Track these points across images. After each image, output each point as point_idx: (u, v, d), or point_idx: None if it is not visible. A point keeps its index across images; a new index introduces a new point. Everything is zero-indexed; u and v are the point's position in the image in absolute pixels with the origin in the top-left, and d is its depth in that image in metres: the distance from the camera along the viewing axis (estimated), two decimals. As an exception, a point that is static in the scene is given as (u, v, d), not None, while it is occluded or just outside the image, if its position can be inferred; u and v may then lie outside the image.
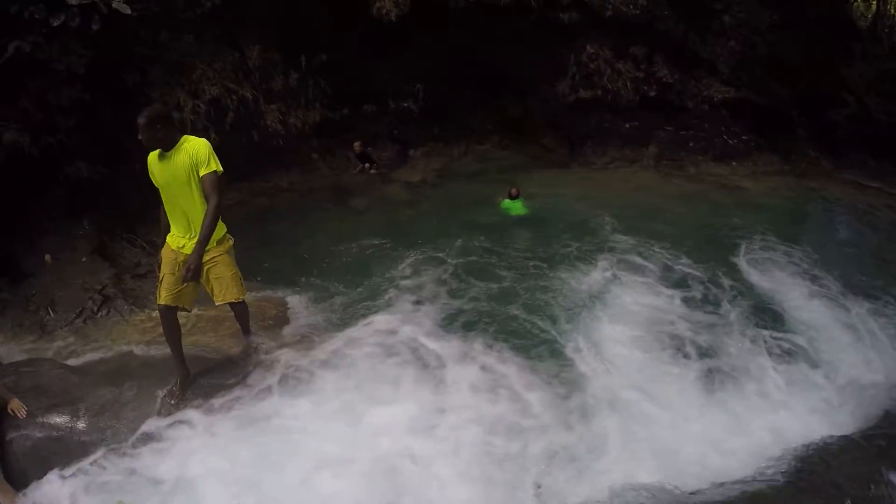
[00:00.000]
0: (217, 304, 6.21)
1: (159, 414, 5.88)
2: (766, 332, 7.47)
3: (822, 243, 10.27)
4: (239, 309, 6.64)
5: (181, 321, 6.18)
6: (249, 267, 9.00)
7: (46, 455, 5.51)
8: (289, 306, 8.10)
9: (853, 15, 18.86)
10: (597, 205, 11.64)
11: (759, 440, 5.87)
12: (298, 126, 13.32)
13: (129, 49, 9.96)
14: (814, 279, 8.89)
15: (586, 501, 5.13)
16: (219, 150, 11.14)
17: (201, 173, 5.45)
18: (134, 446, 5.58)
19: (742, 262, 9.35)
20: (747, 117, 14.47)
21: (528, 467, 5.48)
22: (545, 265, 9.10)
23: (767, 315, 7.90)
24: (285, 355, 6.65)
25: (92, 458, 5.49)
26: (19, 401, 5.68)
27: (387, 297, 8.16)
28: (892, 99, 15.19)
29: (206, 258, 5.68)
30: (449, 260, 9.26)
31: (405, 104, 14.47)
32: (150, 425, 5.75)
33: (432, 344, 6.93)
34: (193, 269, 5.43)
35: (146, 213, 8.90)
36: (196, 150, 5.43)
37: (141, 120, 5.36)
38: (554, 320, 7.63)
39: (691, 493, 5.08)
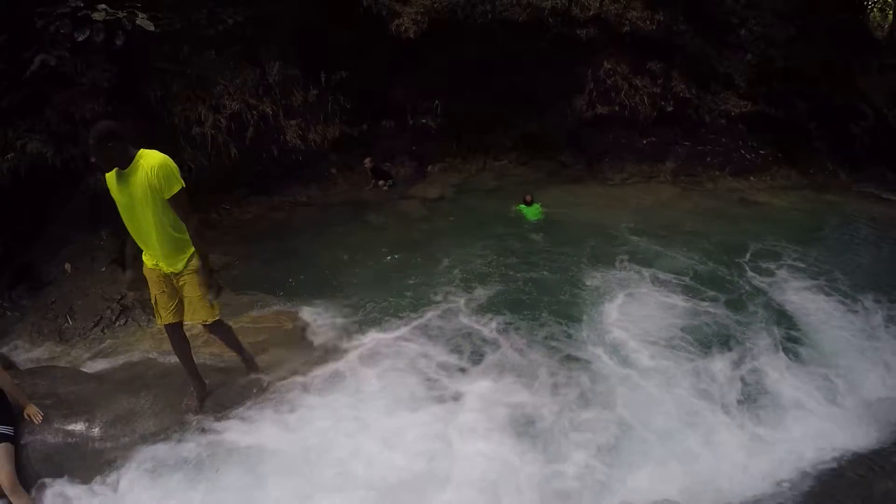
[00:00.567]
0: (187, 323, 5.84)
1: (175, 424, 5.86)
2: (785, 347, 7.42)
3: (842, 257, 10.21)
4: (219, 332, 6.09)
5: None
6: (266, 280, 9.16)
7: (61, 461, 5.53)
8: (305, 319, 8.09)
9: (870, 25, 18.75)
10: (614, 220, 11.66)
11: (776, 456, 5.81)
12: (318, 141, 13.43)
13: (151, 64, 10.10)
14: (834, 293, 8.83)
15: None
16: (239, 164, 11.40)
17: (167, 197, 5.05)
18: (148, 456, 5.56)
19: (760, 276, 9.30)
20: (765, 131, 14.47)
21: (549, 479, 5.46)
22: (562, 283, 9.07)
23: (787, 330, 7.83)
24: (300, 368, 6.66)
25: (106, 465, 5.51)
26: (35, 406, 5.73)
27: (404, 311, 8.15)
28: (910, 110, 15.09)
29: (176, 279, 5.49)
30: (466, 275, 9.27)
31: (423, 120, 14.58)
32: (166, 435, 5.75)
33: (448, 357, 6.97)
34: (212, 287, 5.42)
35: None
36: (155, 170, 4.97)
37: (91, 140, 4.97)
38: (570, 335, 7.62)
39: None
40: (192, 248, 5.41)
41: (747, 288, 8.92)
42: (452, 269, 9.49)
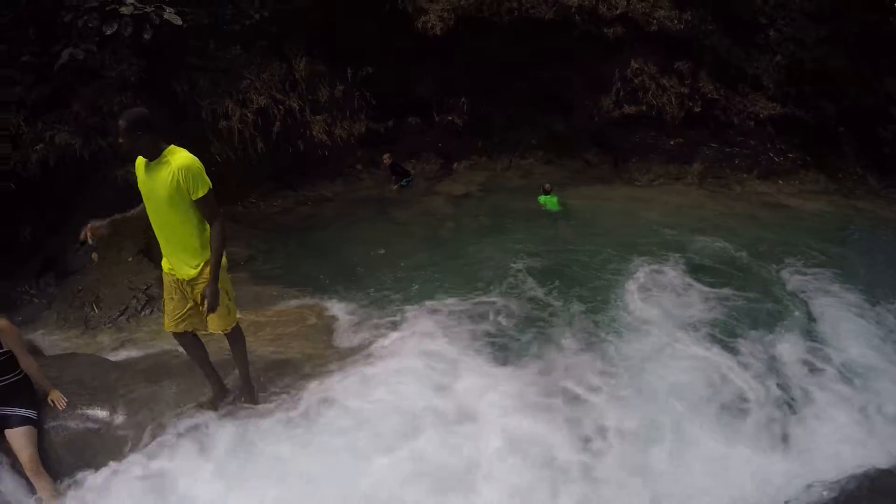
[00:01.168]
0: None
1: (195, 416, 5.83)
2: (807, 358, 7.19)
3: (870, 265, 9.99)
4: (230, 339, 5.83)
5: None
6: (291, 274, 9.20)
7: (83, 446, 5.61)
8: (329, 313, 8.08)
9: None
10: (640, 221, 11.60)
11: (793, 468, 5.67)
12: (344, 137, 13.50)
13: (179, 58, 10.22)
14: (863, 300, 8.61)
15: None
16: (265, 158, 11.49)
17: (195, 197, 4.98)
18: (168, 445, 5.57)
19: (787, 284, 9.10)
20: (793, 134, 14.27)
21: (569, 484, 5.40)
22: (585, 280, 9.00)
23: (810, 339, 7.61)
24: (323, 363, 6.65)
25: (127, 452, 5.57)
26: (59, 392, 5.82)
27: (428, 307, 8.06)
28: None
29: (191, 288, 5.36)
30: (491, 271, 9.21)
31: (449, 117, 14.59)
32: (186, 425, 5.74)
33: (469, 355, 6.89)
34: (210, 300, 5.19)
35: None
36: (183, 170, 4.89)
37: (120, 123, 4.90)
38: (591, 332, 7.53)
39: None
40: (208, 257, 5.25)
41: (774, 293, 8.76)
42: (477, 265, 9.49)
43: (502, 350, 7.06)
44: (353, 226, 11.54)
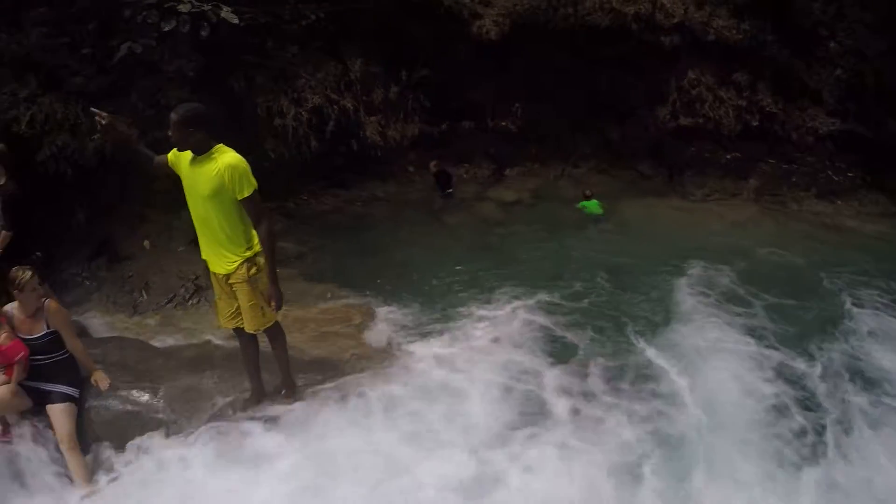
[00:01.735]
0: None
1: (231, 409, 5.95)
2: (863, 395, 6.76)
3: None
4: (270, 337, 5.86)
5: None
6: (339, 272, 9.26)
7: (122, 428, 5.74)
8: (374, 314, 8.10)
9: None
10: (693, 236, 11.36)
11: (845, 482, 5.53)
12: (397, 139, 13.55)
13: (236, 56, 10.39)
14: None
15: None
16: (319, 156, 11.60)
17: (240, 197, 4.99)
18: (203, 434, 5.65)
19: (843, 312, 8.58)
20: (854, 151, 13.80)
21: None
22: (635, 295, 8.83)
23: (867, 374, 7.17)
24: (364, 363, 6.69)
25: (164, 437, 5.68)
26: (103, 373, 5.96)
27: (475, 313, 7.99)
28: None
29: (228, 284, 5.42)
30: (540, 281, 9.02)
31: (503, 123, 14.52)
32: (222, 417, 5.86)
33: (519, 360, 6.84)
34: (276, 300, 5.27)
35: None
36: (230, 169, 4.90)
37: (174, 116, 4.93)
38: (642, 350, 7.34)
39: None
40: (246, 256, 5.29)
41: (829, 320, 8.32)
42: (526, 272, 9.37)
43: (550, 355, 7.00)
44: (403, 227, 11.54)
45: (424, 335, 7.49)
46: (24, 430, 5.48)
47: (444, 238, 11.16)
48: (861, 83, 13.62)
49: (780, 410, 6.37)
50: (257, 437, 5.57)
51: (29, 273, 5.42)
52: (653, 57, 13.88)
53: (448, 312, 8.09)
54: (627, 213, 12.24)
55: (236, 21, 8.85)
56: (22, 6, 8.81)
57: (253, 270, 5.29)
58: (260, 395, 5.98)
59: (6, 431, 5.49)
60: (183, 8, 8.52)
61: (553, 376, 6.60)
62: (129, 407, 5.92)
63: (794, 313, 8.40)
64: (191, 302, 8.47)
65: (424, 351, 7.01)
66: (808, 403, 6.52)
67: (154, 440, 5.62)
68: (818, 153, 13.97)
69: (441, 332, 7.52)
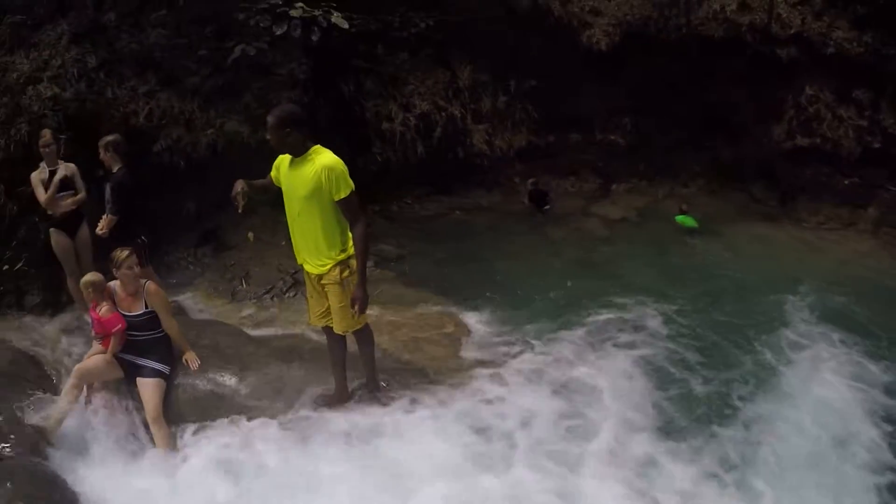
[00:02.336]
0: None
1: (313, 404, 6.07)
2: None
3: None
4: (358, 340, 5.92)
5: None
6: (436, 278, 9.22)
7: (206, 407, 5.97)
8: (468, 324, 8.00)
9: None
10: (805, 267, 10.48)
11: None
12: (503, 148, 13.46)
13: (346, 60, 10.65)
14: None
15: None
16: (424, 162, 11.70)
17: (337, 198, 5.05)
18: (282, 424, 5.84)
19: None
20: (982, 181, 12.80)
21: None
22: (740, 329, 8.15)
23: None
24: (451, 372, 6.68)
25: (245, 421, 5.86)
26: (194, 354, 6.23)
27: (573, 332, 7.70)
28: None
29: (321, 284, 5.52)
30: (642, 305, 8.56)
31: (612, 136, 14.26)
32: (303, 410, 6.00)
33: (609, 385, 6.63)
34: (360, 304, 5.31)
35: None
36: (327, 170, 4.96)
37: (270, 119, 5.06)
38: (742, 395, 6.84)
39: None
40: (339, 259, 5.34)
41: None
42: (628, 293, 8.89)
43: (647, 379, 6.80)
44: (504, 238, 11.37)
45: (517, 350, 7.33)
46: (106, 400, 5.80)
47: (545, 252, 10.88)
48: None
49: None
50: (335, 433, 5.66)
51: (126, 253, 5.73)
52: (769, 71, 13.25)
53: (540, 328, 7.84)
54: (737, 239, 11.65)
55: (346, 26, 9.05)
56: (144, 9, 9.35)
57: (346, 273, 5.36)
58: (343, 394, 6.05)
59: (90, 399, 5.80)
60: (295, 13, 8.79)
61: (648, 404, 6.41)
62: (214, 388, 6.15)
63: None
64: (287, 295, 8.65)
65: (516, 366, 6.89)
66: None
67: (234, 423, 5.83)
68: (946, 182, 13.01)
69: (530, 348, 7.35)
